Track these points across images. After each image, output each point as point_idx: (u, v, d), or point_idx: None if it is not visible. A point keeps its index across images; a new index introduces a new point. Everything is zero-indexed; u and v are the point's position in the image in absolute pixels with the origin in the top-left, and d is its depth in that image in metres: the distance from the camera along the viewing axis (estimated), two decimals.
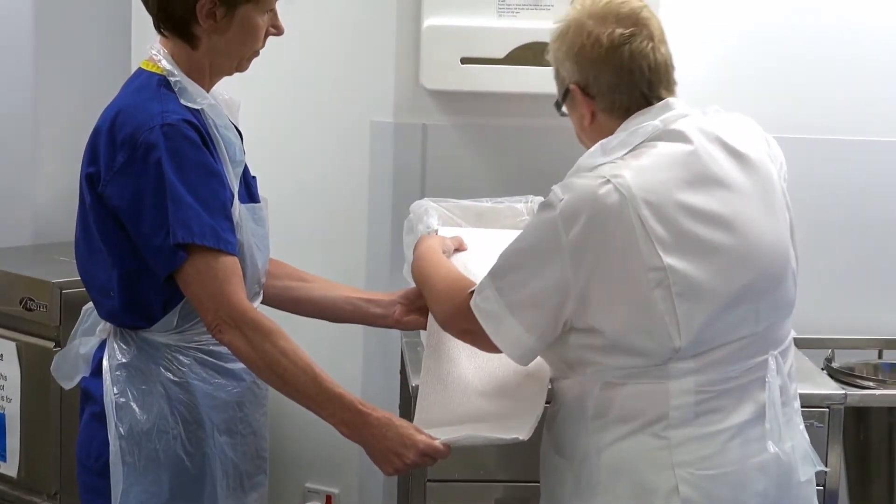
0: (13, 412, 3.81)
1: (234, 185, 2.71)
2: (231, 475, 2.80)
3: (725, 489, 2.52)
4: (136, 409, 2.71)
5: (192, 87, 2.69)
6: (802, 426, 2.69)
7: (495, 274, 2.57)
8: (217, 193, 2.64)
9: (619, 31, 2.55)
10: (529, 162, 3.84)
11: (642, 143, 2.52)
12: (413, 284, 3.02)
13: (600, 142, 2.54)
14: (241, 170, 2.75)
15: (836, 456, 3.31)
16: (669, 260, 2.45)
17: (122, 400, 2.71)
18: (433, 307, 2.76)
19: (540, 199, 3.57)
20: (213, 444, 2.76)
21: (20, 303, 3.81)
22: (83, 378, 2.82)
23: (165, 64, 2.69)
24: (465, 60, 3.70)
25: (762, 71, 3.92)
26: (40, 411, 3.78)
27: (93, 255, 2.73)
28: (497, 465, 3.30)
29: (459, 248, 2.99)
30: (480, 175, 3.85)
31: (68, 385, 2.88)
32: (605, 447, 2.54)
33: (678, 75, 2.63)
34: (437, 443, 2.60)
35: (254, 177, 2.85)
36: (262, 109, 3.81)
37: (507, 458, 3.27)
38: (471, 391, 2.75)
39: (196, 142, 2.62)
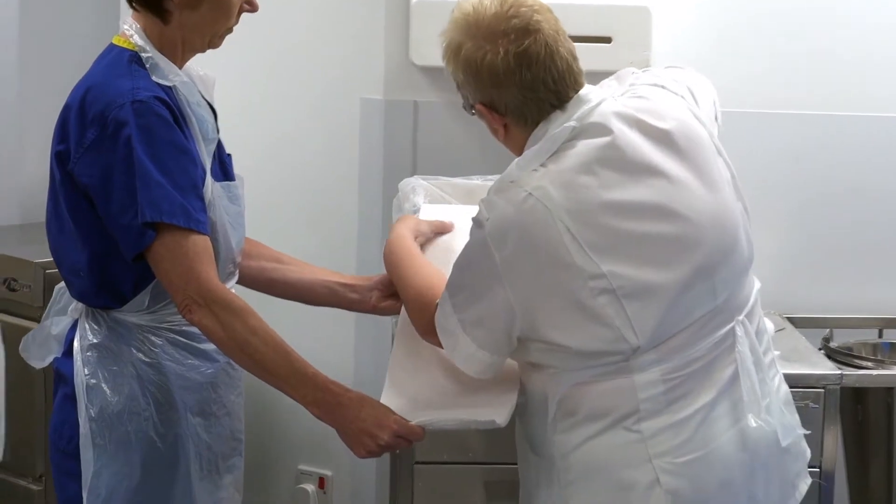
0: None
1: (207, 162, 2.65)
2: (205, 457, 2.75)
3: (708, 470, 2.47)
4: (107, 391, 2.66)
5: (163, 63, 2.63)
6: (781, 383, 2.63)
7: (450, 288, 2.52)
8: (188, 171, 2.59)
9: (512, 48, 2.43)
10: None
11: (561, 144, 2.44)
12: None
13: (517, 158, 2.47)
14: (213, 147, 2.70)
15: (833, 437, 3.26)
16: (608, 265, 2.38)
17: (93, 381, 2.67)
18: (408, 315, 2.70)
19: None
20: (186, 425, 2.71)
21: (3, 283, 3.77)
22: (55, 359, 2.77)
23: (137, 39, 2.64)
24: None
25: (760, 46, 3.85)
26: (25, 393, 3.73)
27: (63, 234, 2.68)
28: (486, 447, 3.26)
29: (442, 231, 2.91)
30: (472, 153, 3.79)
31: (39, 365, 2.84)
32: (575, 447, 2.49)
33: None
34: (411, 424, 2.54)
35: (229, 154, 2.80)
36: (249, 86, 3.78)
37: (496, 440, 3.21)
38: (440, 377, 2.69)
39: (167, 119, 2.57)
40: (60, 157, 2.62)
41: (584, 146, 2.43)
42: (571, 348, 2.43)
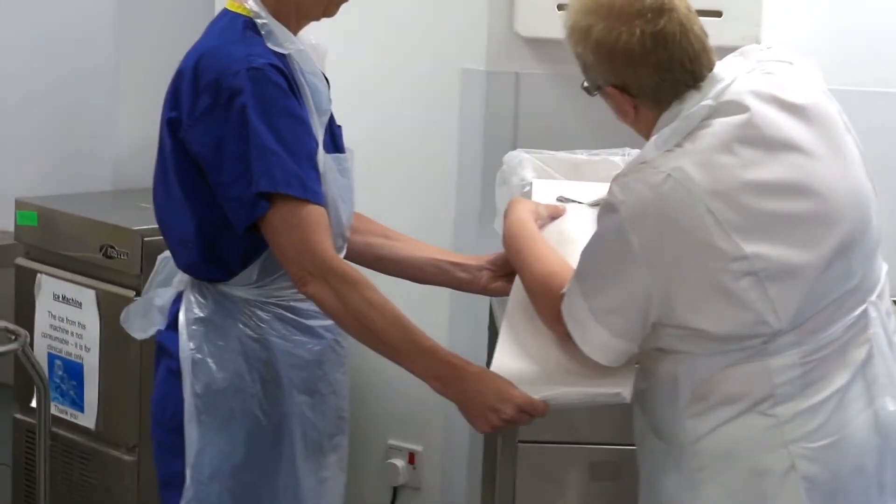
0: (91, 363, 3.73)
1: (320, 134, 2.59)
2: (310, 436, 2.70)
3: (843, 456, 2.41)
4: (213, 366, 2.61)
5: (279, 30, 2.57)
6: None
7: (580, 276, 2.45)
8: (303, 141, 2.53)
9: (648, 28, 2.36)
10: None
11: (695, 129, 2.37)
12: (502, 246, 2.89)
13: (653, 137, 2.40)
14: (326, 119, 2.64)
15: None
16: (752, 247, 2.31)
17: (199, 356, 2.62)
18: (533, 304, 2.62)
19: (637, 151, 3.46)
20: (292, 403, 2.66)
21: (100, 250, 3.71)
22: (158, 331, 2.73)
23: (252, 4, 2.57)
24: (561, 7, 3.52)
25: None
26: (119, 362, 3.69)
27: (171, 203, 2.63)
28: (589, 427, 3.18)
29: (557, 215, 2.83)
30: (574, 126, 3.71)
31: (140, 336, 2.80)
32: (707, 432, 2.42)
33: None
34: (535, 398, 2.46)
35: (339, 126, 2.73)
36: (348, 56, 3.71)
37: (600, 420, 3.15)
38: (554, 353, 2.61)
39: (283, 87, 2.51)
40: (172, 125, 2.57)
41: (722, 125, 2.36)
42: (710, 333, 2.36)
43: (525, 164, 3.20)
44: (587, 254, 2.44)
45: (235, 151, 2.48)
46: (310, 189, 2.50)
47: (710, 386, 2.40)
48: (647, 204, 2.33)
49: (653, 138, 2.40)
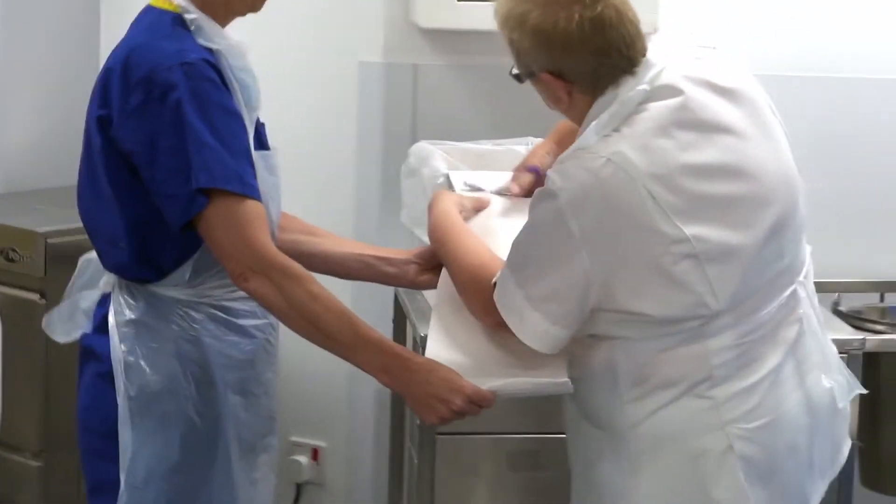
0: None
1: (250, 130, 2.56)
2: (243, 437, 2.67)
3: (778, 435, 2.45)
4: (147, 369, 2.56)
5: (208, 25, 2.53)
6: (831, 344, 2.61)
7: (512, 265, 2.45)
8: (239, 136, 2.50)
9: (587, 13, 2.37)
10: (526, 104, 3.68)
11: (632, 113, 2.39)
12: (425, 241, 2.88)
13: (592, 123, 2.40)
14: (256, 115, 2.60)
15: (853, 403, 3.22)
16: (691, 229, 2.33)
17: (131, 359, 2.56)
18: (460, 295, 2.62)
19: (539, 140, 3.47)
20: (226, 404, 2.62)
21: (0, 253, 3.62)
22: (84, 335, 2.66)
23: (180, 0, 2.52)
24: None
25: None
26: (22, 367, 3.61)
27: (99, 203, 2.57)
28: (506, 417, 3.18)
29: (481, 207, 2.81)
30: (474, 117, 3.77)
31: (64, 340, 2.72)
32: (645, 417, 2.44)
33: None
34: (483, 389, 2.45)
35: (262, 123, 2.70)
36: None
37: (516, 410, 3.16)
38: (485, 342, 2.61)
39: (216, 82, 2.48)
40: (101, 122, 2.52)
41: (657, 109, 2.37)
42: (650, 316, 2.37)
43: (434, 155, 3.19)
44: (521, 242, 2.44)
45: (170, 147, 2.44)
46: (248, 184, 2.47)
47: (647, 370, 2.42)
48: (588, 188, 2.33)
49: (592, 125, 2.39)
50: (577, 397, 2.55)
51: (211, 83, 2.46)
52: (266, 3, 2.63)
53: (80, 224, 3.52)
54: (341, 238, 2.92)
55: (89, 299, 2.65)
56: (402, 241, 3.64)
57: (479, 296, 2.53)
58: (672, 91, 2.39)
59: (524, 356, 2.50)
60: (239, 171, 2.45)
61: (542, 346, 2.44)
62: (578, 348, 2.51)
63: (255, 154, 2.56)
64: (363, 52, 3.74)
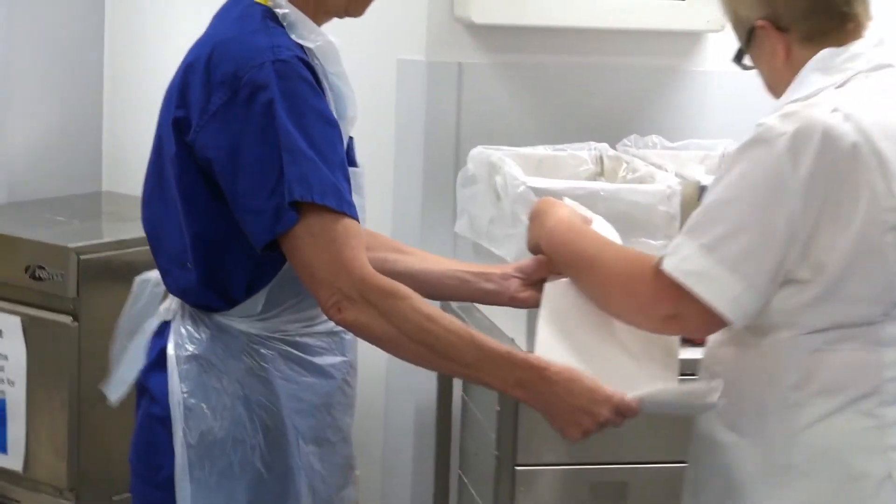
0: (16, 398, 3.33)
1: (344, 143, 2.28)
2: (318, 490, 2.37)
3: None
4: (209, 413, 2.28)
5: (302, 21, 2.24)
6: None
7: (694, 231, 2.21)
8: (336, 147, 2.20)
9: None
10: (578, 105, 3.58)
11: (858, 73, 2.25)
12: (497, 253, 2.75)
13: (816, 74, 2.25)
14: (351, 128, 2.32)
15: None
16: None
17: (193, 401, 2.28)
18: (612, 296, 2.33)
19: (603, 146, 3.27)
20: (299, 454, 2.33)
21: (25, 271, 3.31)
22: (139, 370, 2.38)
23: None
24: None
25: None
26: (49, 396, 3.31)
27: (167, 216, 2.29)
28: (588, 446, 2.92)
29: (587, 222, 2.55)
30: (520, 119, 3.55)
31: (116, 396, 2.44)
32: (804, 426, 2.22)
33: None
34: (628, 398, 2.18)
35: (351, 137, 2.41)
36: None
37: (598, 438, 2.92)
38: (607, 354, 2.36)
39: (313, 84, 2.19)
40: (178, 125, 2.22)
41: (879, 77, 2.26)
42: (829, 286, 2.17)
43: (507, 160, 2.99)
44: (714, 202, 2.23)
45: (258, 155, 2.14)
46: (345, 201, 2.17)
47: (811, 372, 2.22)
48: (813, 132, 2.16)
49: (815, 75, 2.25)
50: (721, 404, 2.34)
51: (308, 85, 2.18)
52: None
53: (113, 238, 3.28)
54: (430, 254, 2.64)
55: (147, 329, 2.37)
56: (446, 251, 3.43)
57: (642, 286, 2.26)
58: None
59: (654, 370, 2.29)
60: (337, 186, 2.17)
61: (735, 314, 2.19)
62: (731, 349, 2.30)
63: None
64: (402, 49, 3.51)
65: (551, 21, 3.43)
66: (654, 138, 3.39)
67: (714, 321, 2.20)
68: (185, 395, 2.27)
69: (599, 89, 3.54)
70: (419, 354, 2.19)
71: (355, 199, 2.28)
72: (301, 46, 2.22)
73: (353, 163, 2.38)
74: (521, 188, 2.86)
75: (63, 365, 3.24)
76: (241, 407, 2.29)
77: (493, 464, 2.99)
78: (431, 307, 2.19)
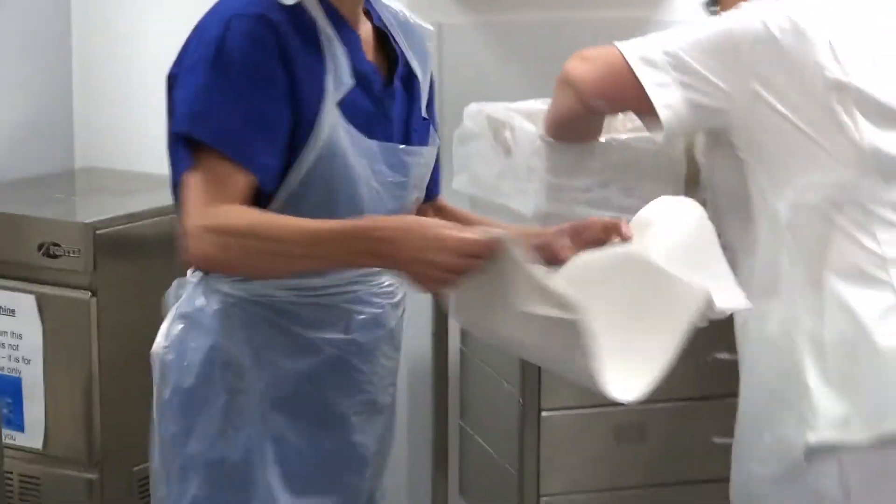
0: (33, 376, 3.33)
1: (328, 112, 2.22)
2: (290, 461, 2.33)
3: None
4: (180, 370, 2.30)
5: None
6: None
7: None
8: (257, 101, 2.17)
9: None
10: (559, 61, 3.57)
11: None
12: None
13: None
14: (340, 95, 2.24)
15: None
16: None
17: (170, 357, 2.30)
18: None
19: None
20: (263, 420, 2.30)
21: (39, 248, 3.29)
22: None
23: None
24: None
25: None
26: (68, 372, 3.31)
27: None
28: None
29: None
30: (504, 79, 3.60)
31: None
32: None
33: None
34: (473, 235, 2.03)
35: (425, 118, 2.41)
36: None
37: None
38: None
39: (264, 41, 2.17)
40: (168, 82, 2.27)
41: None
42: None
43: (516, 116, 3.04)
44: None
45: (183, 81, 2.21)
46: (244, 152, 2.16)
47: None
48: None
49: None
50: None
51: (253, 41, 2.16)
52: None
53: (124, 212, 3.28)
54: (505, 224, 2.55)
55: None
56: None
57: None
58: None
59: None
60: (241, 135, 2.16)
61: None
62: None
63: (373, 144, 2.27)
64: None
65: None
66: None
67: None
68: (164, 350, 2.30)
69: (577, 45, 3.59)
70: (261, 265, 2.15)
71: (388, 173, 2.30)
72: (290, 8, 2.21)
73: (410, 141, 2.37)
74: (538, 142, 2.93)
75: (81, 340, 3.25)
76: (210, 365, 2.28)
77: (518, 411, 3.07)
78: (253, 216, 2.14)
